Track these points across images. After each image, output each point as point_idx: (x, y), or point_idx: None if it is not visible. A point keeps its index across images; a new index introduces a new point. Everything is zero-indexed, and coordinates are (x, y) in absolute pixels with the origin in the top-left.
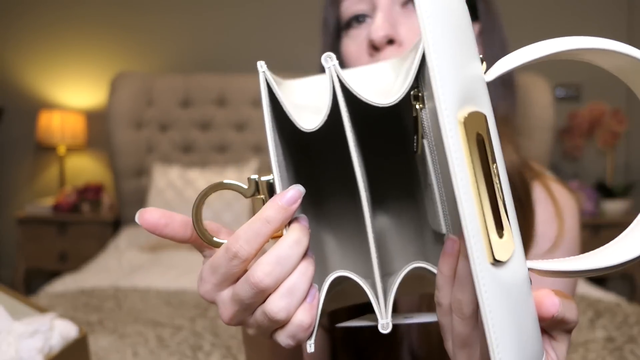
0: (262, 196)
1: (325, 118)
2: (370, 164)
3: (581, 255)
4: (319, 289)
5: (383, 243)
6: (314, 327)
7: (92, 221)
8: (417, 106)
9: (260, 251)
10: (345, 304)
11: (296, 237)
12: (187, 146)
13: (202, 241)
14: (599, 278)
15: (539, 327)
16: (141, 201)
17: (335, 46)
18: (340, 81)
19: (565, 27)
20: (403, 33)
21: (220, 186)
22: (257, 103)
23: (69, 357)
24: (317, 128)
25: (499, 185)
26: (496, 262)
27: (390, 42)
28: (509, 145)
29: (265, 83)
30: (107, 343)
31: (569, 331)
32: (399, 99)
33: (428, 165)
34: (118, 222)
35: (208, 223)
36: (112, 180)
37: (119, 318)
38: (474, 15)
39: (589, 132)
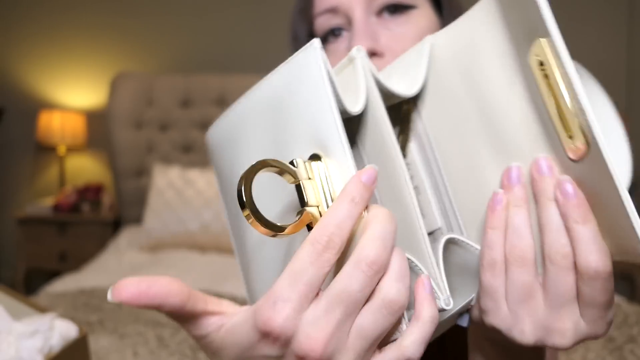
0: (315, 181)
1: (365, 102)
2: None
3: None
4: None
5: None
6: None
7: (92, 221)
8: (409, 111)
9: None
10: None
11: (388, 216)
12: (187, 146)
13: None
14: None
15: None
16: (141, 201)
17: None
18: (371, 73)
19: (566, 27)
20: (383, 43)
21: (263, 164)
22: None
23: (69, 357)
24: (360, 111)
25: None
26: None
27: (372, 54)
28: None
29: (323, 63)
30: (107, 343)
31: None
32: (419, 89)
33: (417, 167)
34: (118, 222)
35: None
36: (112, 180)
37: (119, 318)
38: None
39: None
